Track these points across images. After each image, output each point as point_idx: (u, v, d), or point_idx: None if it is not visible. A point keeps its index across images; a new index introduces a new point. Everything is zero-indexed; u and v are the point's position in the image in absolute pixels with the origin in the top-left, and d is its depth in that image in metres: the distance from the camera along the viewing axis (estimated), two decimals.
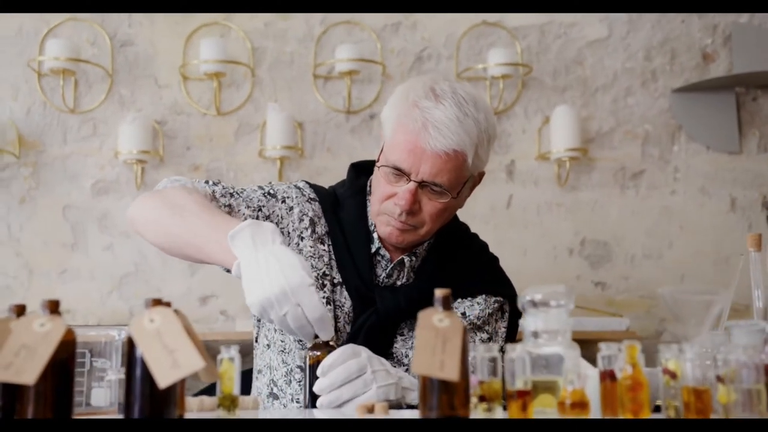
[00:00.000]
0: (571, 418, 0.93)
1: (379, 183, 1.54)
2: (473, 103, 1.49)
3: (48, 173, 2.87)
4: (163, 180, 1.56)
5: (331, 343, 1.30)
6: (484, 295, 1.62)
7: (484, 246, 1.73)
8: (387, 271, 1.57)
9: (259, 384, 1.63)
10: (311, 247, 1.58)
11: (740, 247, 2.93)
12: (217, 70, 2.86)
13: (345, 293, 1.56)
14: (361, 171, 1.68)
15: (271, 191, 1.60)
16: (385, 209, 1.53)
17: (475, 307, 1.60)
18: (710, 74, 3.03)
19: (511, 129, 3.01)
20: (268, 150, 2.86)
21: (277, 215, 1.58)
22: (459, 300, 1.61)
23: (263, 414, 1.21)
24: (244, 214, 1.54)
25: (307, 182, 1.68)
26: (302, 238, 1.58)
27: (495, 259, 1.72)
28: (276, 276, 1.21)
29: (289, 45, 2.98)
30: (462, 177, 1.51)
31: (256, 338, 1.66)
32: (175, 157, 2.92)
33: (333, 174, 2.80)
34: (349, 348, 1.30)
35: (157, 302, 0.97)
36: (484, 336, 1.60)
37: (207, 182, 1.55)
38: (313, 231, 1.59)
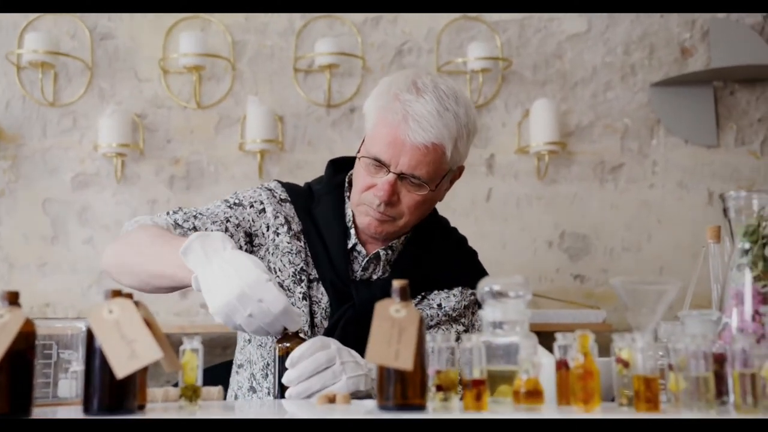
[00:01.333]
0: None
1: (360, 174, 1.56)
2: (454, 97, 1.52)
3: (28, 166, 2.87)
4: (125, 224, 1.59)
5: (300, 334, 1.32)
6: (460, 288, 1.64)
7: (462, 239, 1.75)
8: (363, 264, 1.59)
9: (239, 378, 1.65)
10: (288, 242, 1.59)
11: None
12: (197, 63, 2.86)
13: (321, 289, 1.58)
14: (340, 167, 1.69)
15: (237, 201, 1.62)
16: (365, 200, 1.55)
17: (451, 299, 1.63)
18: (689, 68, 3.05)
19: (491, 123, 3.02)
20: (249, 143, 2.86)
21: (248, 220, 1.60)
22: (435, 291, 1.63)
23: (222, 409, 1.22)
24: (211, 230, 1.55)
25: (279, 182, 1.69)
26: (278, 234, 1.60)
27: (473, 253, 1.74)
28: (232, 280, 1.23)
29: (269, 39, 2.99)
30: (441, 170, 1.53)
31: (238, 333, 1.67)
32: (155, 150, 2.92)
33: (313, 168, 2.81)
34: (318, 340, 1.31)
35: (117, 293, 0.99)
36: (460, 328, 1.62)
37: (168, 213, 1.58)
38: (289, 228, 1.61)
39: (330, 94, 2.94)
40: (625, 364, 0.98)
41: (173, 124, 2.93)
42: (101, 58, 2.93)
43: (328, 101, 2.95)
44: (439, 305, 1.61)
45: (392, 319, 0.97)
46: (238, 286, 1.23)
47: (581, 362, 0.95)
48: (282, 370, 1.29)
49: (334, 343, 1.33)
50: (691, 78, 2.99)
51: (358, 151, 1.57)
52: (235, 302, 1.23)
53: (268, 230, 1.60)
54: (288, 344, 1.30)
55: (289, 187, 1.67)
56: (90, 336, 0.95)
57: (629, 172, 3.02)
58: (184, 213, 1.58)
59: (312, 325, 1.55)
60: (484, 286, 1.09)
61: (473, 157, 2.99)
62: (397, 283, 1.02)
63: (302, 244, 1.60)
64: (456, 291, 1.63)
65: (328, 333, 1.53)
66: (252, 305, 1.22)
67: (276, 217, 1.61)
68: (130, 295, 1.02)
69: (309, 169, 2.83)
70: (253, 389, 1.61)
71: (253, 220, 1.60)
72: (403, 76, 1.54)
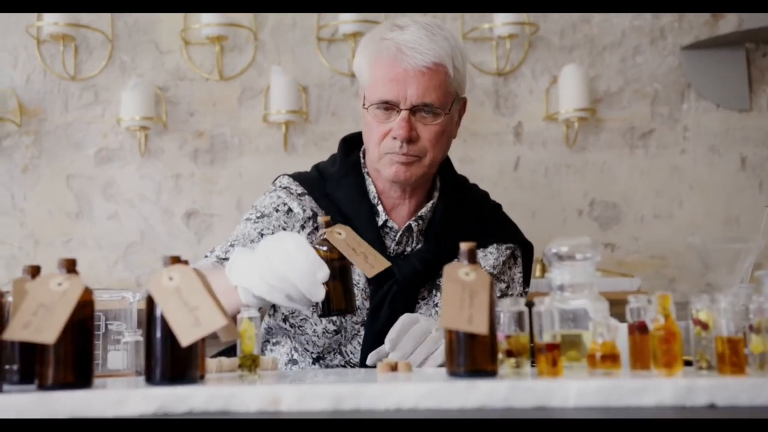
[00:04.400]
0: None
1: (371, 127, 1.53)
2: (437, 25, 1.54)
3: (50, 142, 2.83)
4: None
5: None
6: (495, 244, 1.62)
7: (484, 194, 1.72)
8: (396, 239, 1.56)
9: (276, 354, 1.62)
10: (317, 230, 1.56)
11: (751, 206, 2.91)
12: (219, 33, 2.81)
13: (357, 270, 1.54)
14: (352, 145, 1.66)
15: (259, 213, 1.59)
16: (385, 148, 1.52)
17: (489, 257, 1.61)
18: (719, 31, 2.97)
19: (518, 90, 2.97)
20: (273, 115, 2.82)
21: (280, 226, 1.57)
22: None
23: (282, 381, 1.18)
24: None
25: (288, 176, 1.65)
26: (304, 227, 1.58)
27: (498, 206, 1.72)
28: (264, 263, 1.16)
29: None
30: (449, 93, 1.52)
31: (273, 309, 1.63)
32: (178, 123, 2.88)
33: (339, 139, 2.74)
34: (407, 317, 1.32)
35: (176, 260, 0.95)
36: (502, 285, 1.61)
37: (206, 256, 1.57)
38: (315, 219, 1.58)
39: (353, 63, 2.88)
40: (704, 326, 0.94)
41: (196, 96, 2.89)
42: (121, 29, 2.88)
43: (352, 71, 2.89)
44: None
45: (462, 282, 0.94)
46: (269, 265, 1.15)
47: (662, 323, 0.91)
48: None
49: (421, 317, 1.33)
50: (723, 40, 2.92)
51: (363, 106, 1.54)
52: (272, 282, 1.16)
53: (303, 229, 1.57)
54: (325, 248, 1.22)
55: (300, 179, 1.64)
56: (150, 304, 0.92)
57: (660, 138, 2.97)
58: (220, 248, 1.56)
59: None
60: (551, 248, 1.05)
61: (500, 125, 2.94)
62: (465, 246, 0.98)
63: None
64: (492, 248, 1.62)
65: (374, 312, 1.51)
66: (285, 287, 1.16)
67: (304, 211, 1.58)
68: (186, 262, 0.98)
69: (334, 140, 2.73)
70: (294, 361, 1.58)
71: (285, 222, 1.57)
72: (380, 26, 1.58)
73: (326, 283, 1.15)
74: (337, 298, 1.19)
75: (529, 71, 2.97)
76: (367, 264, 1.18)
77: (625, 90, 2.98)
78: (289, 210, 1.58)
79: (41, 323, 0.84)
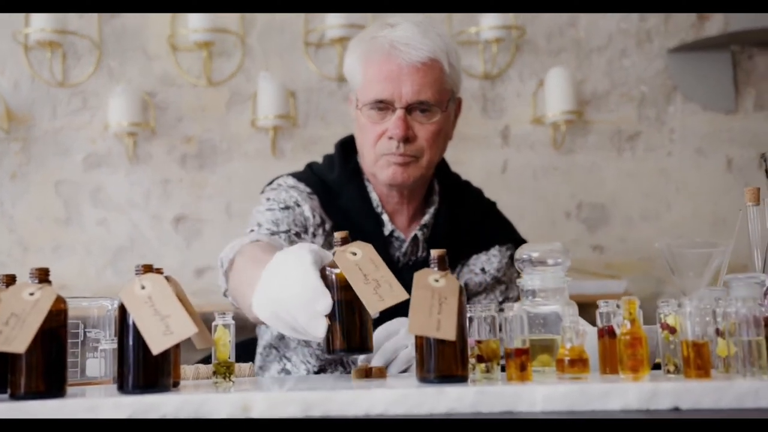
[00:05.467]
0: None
1: (365, 129, 1.49)
2: (428, 24, 1.52)
3: (39, 148, 2.84)
4: (224, 252, 1.44)
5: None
6: (497, 246, 1.61)
7: (479, 192, 1.72)
8: (403, 250, 1.54)
9: (269, 360, 1.61)
10: (323, 243, 1.53)
11: (737, 207, 2.91)
12: (206, 39, 2.82)
13: None
14: (349, 149, 1.61)
15: (283, 205, 1.53)
16: (381, 150, 1.48)
17: (493, 260, 1.59)
18: (705, 33, 2.99)
19: (505, 93, 2.98)
20: (261, 120, 2.83)
21: (301, 224, 1.52)
22: (474, 256, 1.59)
23: (256, 386, 1.19)
24: (293, 240, 1.47)
25: (292, 176, 1.60)
26: (315, 236, 1.53)
27: (493, 204, 1.71)
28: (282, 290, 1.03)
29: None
30: (444, 91, 1.48)
31: None
32: (166, 129, 2.88)
33: (327, 143, 2.74)
34: (382, 328, 1.23)
35: (148, 269, 0.96)
36: (502, 287, 1.60)
37: (252, 231, 1.47)
38: (323, 227, 1.54)
39: (342, 67, 2.89)
40: (672, 331, 0.95)
41: (184, 101, 2.90)
42: (109, 36, 2.89)
43: (340, 75, 2.90)
44: (483, 269, 1.58)
45: (432, 288, 0.95)
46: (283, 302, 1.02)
47: (629, 328, 0.92)
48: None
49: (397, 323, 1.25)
50: (709, 43, 2.93)
51: (356, 108, 1.50)
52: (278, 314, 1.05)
53: (314, 237, 1.53)
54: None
55: (305, 180, 1.58)
56: (122, 313, 0.93)
57: (647, 141, 2.98)
58: (266, 230, 1.48)
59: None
60: (522, 254, 1.06)
61: (488, 128, 2.95)
62: (435, 252, 0.99)
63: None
64: (494, 251, 1.60)
65: (380, 323, 1.49)
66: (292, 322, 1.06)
67: (314, 216, 1.53)
68: (160, 270, 0.99)
69: (323, 144, 2.79)
70: (286, 371, 1.57)
71: (304, 221, 1.52)
72: (371, 26, 1.55)
73: (330, 316, 0.97)
74: (343, 334, 0.98)
75: (516, 74, 2.99)
76: (375, 296, 0.95)
77: (612, 93, 2.99)
78: (303, 212, 1.53)
79: (12, 333, 0.85)
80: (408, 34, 1.45)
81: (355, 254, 0.98)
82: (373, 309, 0.94)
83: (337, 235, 1.01)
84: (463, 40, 2.95)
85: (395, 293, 0.95)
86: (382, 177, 1.51)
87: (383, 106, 1.46)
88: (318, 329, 0.97)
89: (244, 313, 1.31)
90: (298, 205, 1.53)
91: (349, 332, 0.98)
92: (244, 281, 1.26)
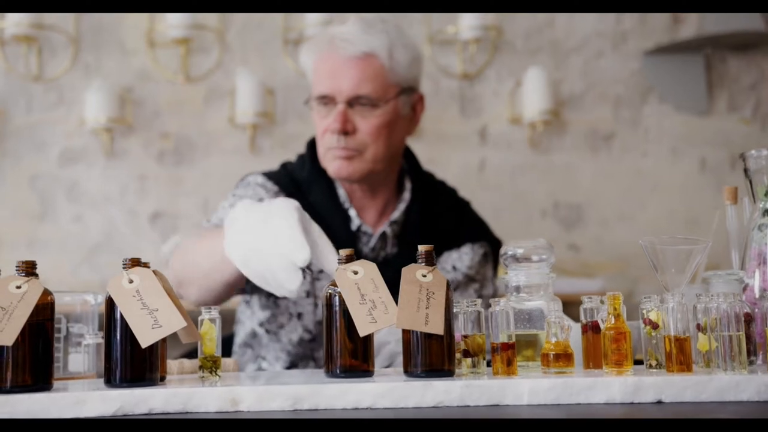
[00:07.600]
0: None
1: (315, 124, 1.55)
2: (380, 20, 1.54)
3: (14, 143, 2.81)
4: (164, 248, 1.55)
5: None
6: (469, 243, 1.62)
7: (452, 191, 1.73)
8: (370, 245, 1.55)
9: (245, 359, 1.62)
10: None
11: (710, 207, 2.96)
12: (184, 35, 2.80)
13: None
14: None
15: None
16: (326, 143, 1.52)
17: (464, 258, 1.60)
18: (680, 36, 3.03)
19: (482, 92, 3.00)
20: (239, 116, 2.82)
21: None
22: (445, 253, 1.60)
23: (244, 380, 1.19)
24: None
25: (263, 174, 1.62)
26: None
27: (467, 204, 1.72)
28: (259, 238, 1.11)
29: None
30: (387, 85, 1.50)
31: (248, 302, 1.62)
32: (143, 125, 2.87)
33: (305, 140, 2.74)
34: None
35: (136, 262, 0.96)
36: (476, 286, 1.60)
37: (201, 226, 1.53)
38: None
39: None
40: (654, 326, 0.97)
41: (161, 97, 2.88)
42: (86, 30, 2.86)
43: None
44: (454, 267, 1.59)
45: (420, 283, 0.96)
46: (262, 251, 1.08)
47: (613, 323, 0.94)
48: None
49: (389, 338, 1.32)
50: (683, 45, 2.97)
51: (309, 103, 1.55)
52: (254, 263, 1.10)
53: None
54: None
55: (274, 179, 1.60)
56: (110, 306, 0.93)
57: (622, 141, 3.02)
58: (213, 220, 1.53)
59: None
60: (507, 250, 1.08)
61: (465, 127, 2.97)
62: (423, 248, 1.00)
63: None
64: (466, 248, 1.61)
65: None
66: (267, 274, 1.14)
67: None
68: (147, 264, 0.99)
69: (300, 142, 2.74)
70: (262, 370, 1.57)
71: None
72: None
73: (333, 334, 0.97)
74: (348, 352, 0.97)
75: (494, 74, 3.01)
76: (368, 317, 0.93)
77: (589, 93, 3.02)
78: None
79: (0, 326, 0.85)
80: (350, 29, 1.49)
81: (356, 273, 0.98)
82: (363, 331, 0.93)
83: (342, 253, 1.01)
84: (441, 40, 2.97)
85: (389, 317, 0.93)
86: (329, 171, 1.54)
87: (327, 100, 1.50)
88: (292, 282, 1.00)
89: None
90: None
91: (353, 351, 0.98)
92: (196, 245, 1.33)
